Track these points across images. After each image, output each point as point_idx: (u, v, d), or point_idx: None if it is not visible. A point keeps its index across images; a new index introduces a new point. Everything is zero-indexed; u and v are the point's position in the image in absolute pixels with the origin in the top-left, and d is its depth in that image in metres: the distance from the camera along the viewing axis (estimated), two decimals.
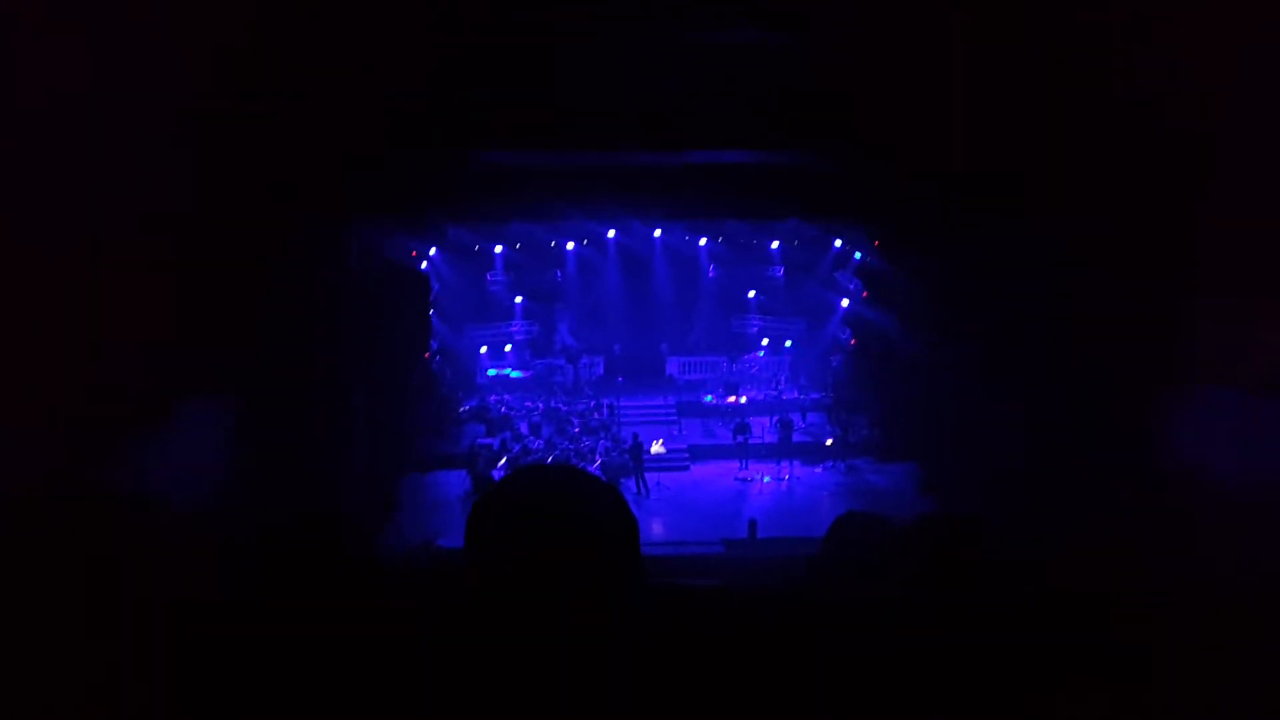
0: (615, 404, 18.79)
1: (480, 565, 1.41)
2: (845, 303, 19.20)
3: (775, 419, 17.59)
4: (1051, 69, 6.10)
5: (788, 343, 21.46)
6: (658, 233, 21.19)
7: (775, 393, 19.65)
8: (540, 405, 19.11)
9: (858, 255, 18.15)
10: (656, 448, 17.19)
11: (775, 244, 21.81)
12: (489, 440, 17.15)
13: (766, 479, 16.50)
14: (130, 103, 4.47)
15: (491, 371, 21.08)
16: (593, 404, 18.94)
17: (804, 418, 18.71)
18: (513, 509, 1.44)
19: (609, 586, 1.40)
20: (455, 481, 15.64)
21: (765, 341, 21.70)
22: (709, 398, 19.83)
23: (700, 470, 17.11)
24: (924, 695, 1.52)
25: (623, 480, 15.62)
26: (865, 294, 17.47)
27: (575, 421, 18.03)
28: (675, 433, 18.51)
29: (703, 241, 21.79)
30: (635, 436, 16.37)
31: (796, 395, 19.59)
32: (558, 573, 1.37)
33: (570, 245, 21.49)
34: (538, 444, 17.07)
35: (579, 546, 1.39)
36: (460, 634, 1.40)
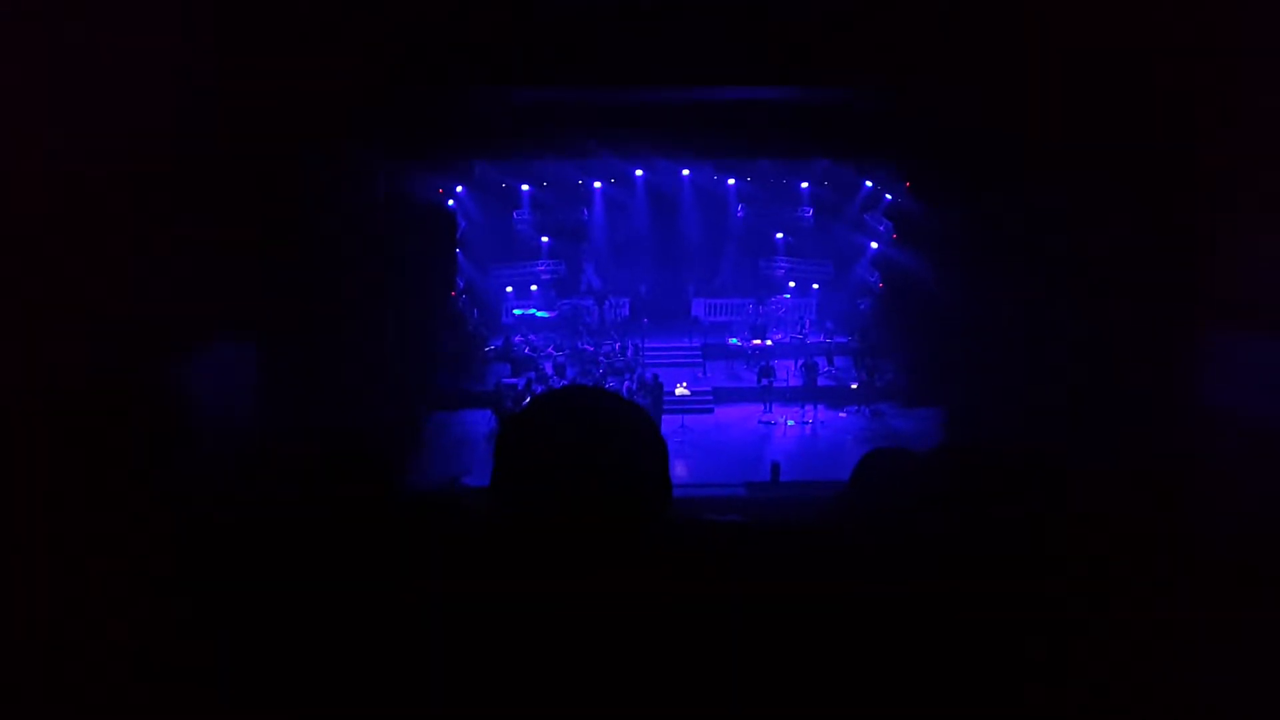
0: (640, 345, 18.77)
1: (509, 482, 1.41)
2: (874, 245, 18.95)
3: (800, 362, 17.50)
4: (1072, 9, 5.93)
5: (815, 285, 21.25)
6: (686, 172, 20.92)
7: (800, 336, 19.52)
8: (566, 346, 19.12)
9: (888, 197, 17.86)
10: (681, 390, 17.18)
11: (805, 185, 21.48)
12: (514, 380, 17.23)
13: (790, 422, 16.49)
14: (158, 41, 4.44)
15: (517, 311, 21.05)
16: (618, 345, 18.92)
17: (830, 361, 18.60)
18: (543, 426, 1.44)
19: (638, 505, 1.39)
20: (480, 421, 15.76)
21: (792, 284, 21.49)
22: (734, 340, 19.74)
23: (724, 413, 17.10)
24: (932, 635, 1.51)
25: None
26: (895, 236, 17.23)
27: (601, 362, 18.04)
28: (700, 375, 18.48)
29: (731, 181, 21.49)
30: (655, 376, 16.34)
31: (823, 339, 19.44)
32: (587, 490, 1.36)
33: (597, 184, 21.27)
34: (562, 384, 17.12)
35: (609, 465, 1.38)
36: (483, 560, 1.40)
